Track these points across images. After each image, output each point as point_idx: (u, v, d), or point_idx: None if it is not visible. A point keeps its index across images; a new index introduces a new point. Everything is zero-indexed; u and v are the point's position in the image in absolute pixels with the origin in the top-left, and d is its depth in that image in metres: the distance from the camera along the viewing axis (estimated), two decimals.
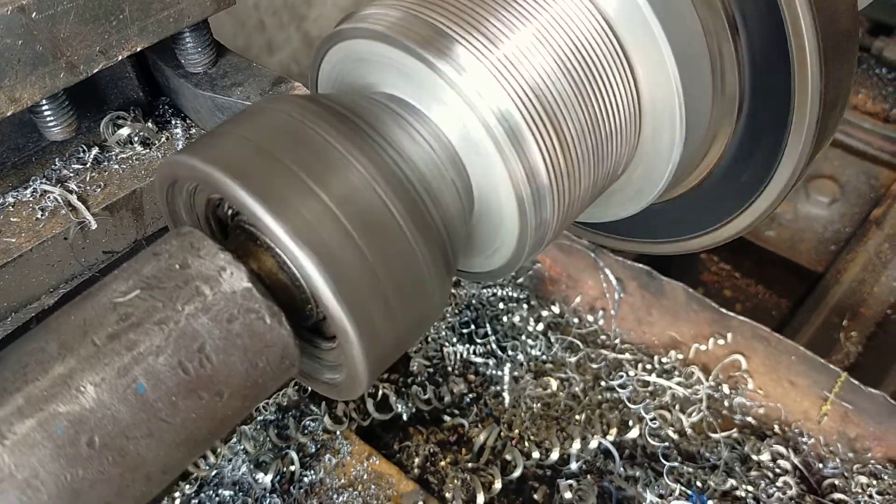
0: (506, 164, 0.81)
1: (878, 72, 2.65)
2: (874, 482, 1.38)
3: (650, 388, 1.54)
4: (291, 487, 1.41)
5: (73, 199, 1.11)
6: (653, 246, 1.24)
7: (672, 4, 0.87)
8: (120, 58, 1.07)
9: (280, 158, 0.73)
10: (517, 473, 1.42)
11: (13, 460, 0.63)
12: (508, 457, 1.45)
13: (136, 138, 1.20)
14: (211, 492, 1.39)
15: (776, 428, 1.48)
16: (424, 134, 0.83)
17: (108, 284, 0.72)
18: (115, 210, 1.13)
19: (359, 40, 0.87)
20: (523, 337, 1.63)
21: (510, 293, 1.71)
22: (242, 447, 1.44)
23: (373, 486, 1.39)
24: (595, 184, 0.91)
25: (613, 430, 1.47)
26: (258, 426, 1.48)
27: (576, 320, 1.68)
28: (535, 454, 1.45)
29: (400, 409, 1.52)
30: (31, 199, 1.12)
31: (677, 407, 1.51)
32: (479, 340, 1.64)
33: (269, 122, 0.78)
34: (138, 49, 1.08)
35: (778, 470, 1.41)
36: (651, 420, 1.48)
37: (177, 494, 1.39)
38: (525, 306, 1.68)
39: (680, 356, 1.59)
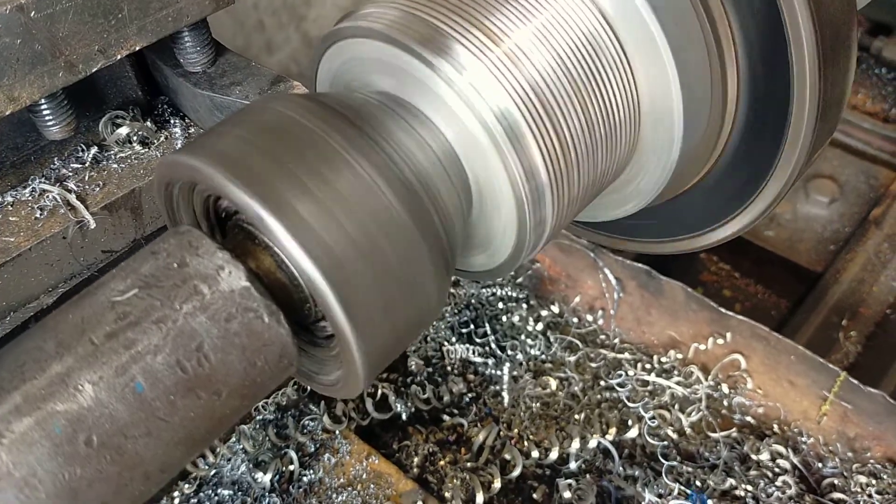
0: (504, 163, 0.81)
1: (878, 71, 2.65)
2: (873, 482, 1.38)
3: (649, 388, 1.54)
4: (290, 487, 1.40)
5: (72, 198, 1.11)
6: (652, 245, 1.24)
7: (671, 4, 0.87)
8: (119, 57, 1.06)
9: (278, 157, 0.73)
10: (516, 473, 1.42)
11: (11, 459, 0.63)
12: (508, 456, 1.45)
13: (134, 137, 1.20)
14: (210, 491, 1.39)
15: (775, 427, 1.48)
16: (423, 133, 0.83)
17: (107, 283, 0.72)
18: (114, 209, 1.13)
19: (357, 39, 0.87)
20: (522, 336, 1.63)
21: (509, 293, 1.71)
22: (241, 446, 1.44)
23: (372, 486, 1.39)
24: (594, 183, 0.91)
25: (612, 430, 1.47)
26: (257, 425, 1.48)
27: (575, 320, 1.68)
28: (535, 453, 1.45)
29: (399, 409, 1.52)
30: (29, 198, 1.12)
31: (676, 406, 1.51)
32: (478, 340, 1.63)
33: (268, 121, 0.78)
34: (137, 48, 1.08)
35: (777, 469, 1.41)
36: (650, 419, 1.48)
37: (176, 494, 1.39)
38: (524, 306, 1.68)
39: (679, 356, 1.59)
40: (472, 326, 1.65)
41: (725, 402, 1.52)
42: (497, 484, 1.40)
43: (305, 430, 1.48)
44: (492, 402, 1.55)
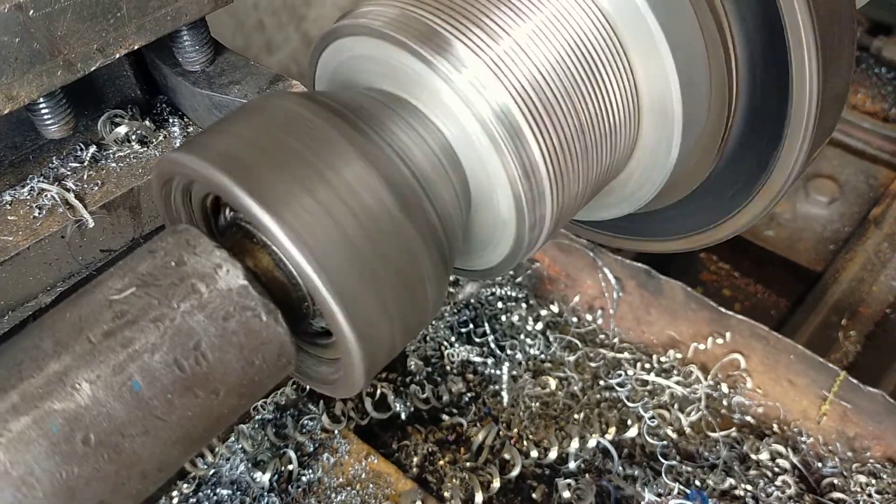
0: (503, 162, 0.81)
1: (878, 71, 2.65)
2: (873, 481, 1.37)
3: (649, 388, 1.54)
4: (289, 486, 1.40)
5: (71, 197, 1.11)
6: (652, 244, 1.24)
7: (670, 2, 0.87)
8: (117, 56, 1.06)
9: (276, 156, 0.73)
10: (515, 472, 1.42)
11: (8, 458, 0.62)
12: (507, 456, 1.45)
13: (133, 137, 1.20)
14: (209, 491, 1.39)
15: (775, 427, 1.47)
16: (421, 131, 0.83)
17: (104, 282, 0.72)
18: (113, 208, 1.13)
19: (356, 37, 0.86)
20: (522, 336, 1.63)
21: (509, 292, 1.71)
22: (240, 446, 1.44)
23: (371, 485, 1.39)
24: (593, 181, 0.91)
25: (612, 429, 1.47)
26: (256, 425, 1.47)
27: (574, 319, 1.68)
28: (534, 453, 1.45)
29: (398, 409, 1.52)
30: (28, 197, 1.12)
31: (676, 406, 1.51)
32: (477, 339, 1.63)
33: (266, 120, 0.78)
34: (136, 47, 1.08)
35: (777, 469, 1.40)
36: (650, 419, 1.48)
37: (174, 493, 1.39)
38: (524, 305, 1.68)
39: (679, 355, 1.59)
40: (471, 326, 1.65)
41: (725, 402, 1.52)
42: (496, 483, 1.40)
43: (304, 430, 1.48)
44: (491, 401, 1.54)
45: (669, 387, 1.53)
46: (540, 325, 1.64)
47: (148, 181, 1.15)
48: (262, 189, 0.71)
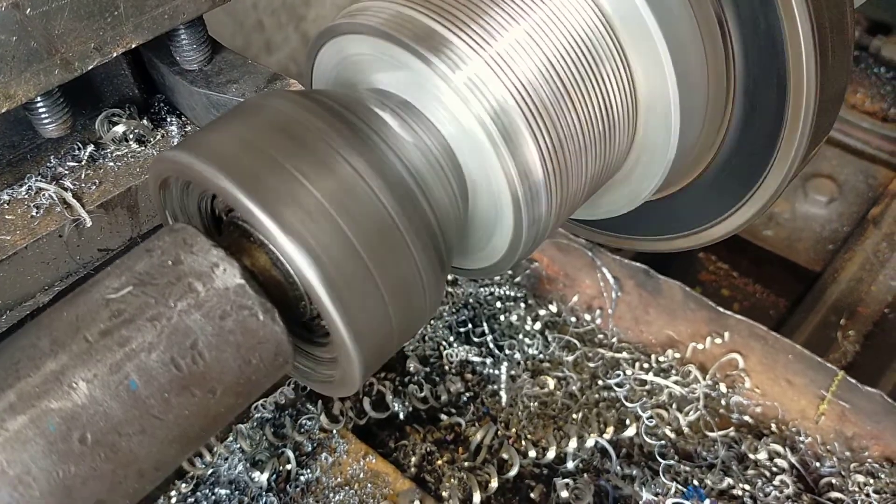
0: (501, 161, 0.81)
1: (877, 71, 2.65)
2: (871, 481, 1.37)
3: (647, 387, 1.54)
4: (288, 486, 1.40)
5: (69, 196, 1.11)
6: (650, 243, 1.24)
7: (668, 2, 0.87)
8: (115, 54, 1.06)
9: (273, 154, 0.73)
10: (514, 472, 1.42)
11: (5, 457, 0.62)
12: (505, 456, 1.45)
13: (131, 136, 1.20)
14: (207, 490, 1.39)
15: (773, 427, 1.47)
16: (419, 130, 0.83)
17: (101, 281, 0.72)
18: (111, 208, 1.13)
19: (354, 35, 0.86)
20: (520, 336, 1.63)
21: (507, 292, 1.70)
22: (239, 446, 1.44)
23: (369, 485, 1.39)
24: (590, 180, 0.91)
25: (610, 429, 1.47)
26: (254, 424, 1.47)
27: (573, 319, 1.68)
28: (532, 453, 1.45)
29: (397, 408, 1.52)
30: (25, 196, 1.11)
31: (674, 406, 1.51)
32: (476, 339, 1.63)
33: (263, 118, 0.78)
34: (133, 46, 1.08)
35: (775, 469, 1.40)
36: (648, 419, 1.48)
37: (173, 493, 1.39)
38: (522, 305, 1.68)
39: (677, 355, 1.59)
40: (469, 326, 1.65)
41: (723, 402, 1.52)
42: (494, 483, 1.40)
43: (303, 430, 1.48)
44: (489, 401, 1.54)
45: (668, 386, 1.53)
46: (538, 325, 1.64)
47: (146, 180, 1.15)
48: (259, 188, 0.71)
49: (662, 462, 1.41)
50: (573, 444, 1.44)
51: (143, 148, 1.19)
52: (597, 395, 1.54)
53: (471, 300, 1.69)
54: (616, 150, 0.93)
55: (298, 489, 1.39)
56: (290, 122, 0.76)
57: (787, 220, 2.39)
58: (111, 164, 1.17)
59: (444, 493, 1.39)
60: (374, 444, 1.47)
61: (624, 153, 0.96)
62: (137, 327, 0.68)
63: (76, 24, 1.00)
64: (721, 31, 0.91)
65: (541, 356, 1.60)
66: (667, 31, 0.86)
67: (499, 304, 1.69)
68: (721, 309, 1.60)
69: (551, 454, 1.44)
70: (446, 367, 1.59)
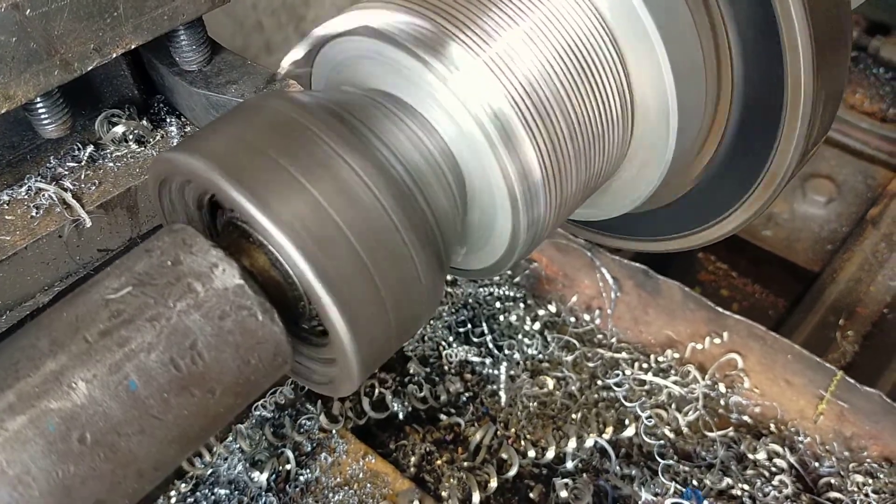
0: (499, 162, 0.81)
1: (876, 71, 2.65)
2: (870, 481, 1.38)
3: (646, 387, 1.54)
4: (287, 486, 1.40)
5: (68, 196, 1.11)
6: (649, 244, 1.24)
7: (666, 3, 0.87)
8: (114, 55, 1.06)
9: (272, 155, 0.73)
10: (513, 472, 1.42)
11: (5, 457, 0.63)
12: (504, 456, 1.45)
13: (130, 136, 1.20)
14: (207, 490, 1.39)
15: (772, 427, 1.48)
16: (417, 131, 0.83)
17: (100, 281, 0.72)
18: (110, 208, 1.13)
19: (352, 37, 0.86)
20: (520, 336, 1.63)
21: (507, 292, 1.71)
22: (238, 446, 1.44)
23: (368, 485, 1.39)
24: (588, 181, 0.91)
25: (609, 429, 1.47)
26: (254, 423, 1.48)
27: (572, 319, 1.68)
28: (531, 453, 1.45)
29: (396, 408, 1.52)
30: (25, 196, 1.12)
31: (673, 406, 1.51)
32: (475, 339, 1.63)
33: (262, 119, 0.78)
34: (133, 46, 1.08)
35: (774, 469, 1.41)
36: (647, 419, 1.48)
37: (172, 493, 1.39)
38: (522, 305, 1.68)
39: (676, 355, 1.59)
40: (469, 326, 1.65)
41: (722, 402, 1.52)
42: (494, 483, 1.40)
43: (302, 430, 1.48)
44: (489, 401, 1.54)
45: (667, 386, 1.53)
46: (538, 325, 1.65)
47: (145, 181, 1.15)
48: (258, 188, 0.71)
49: (661, 462, 1.41)
50: (572, 444, 1.44)
51: (142, 148, 1.20)
52: (596, 395, 1.54)
53: (470, 300, 1.70)
54: (614, 151, 0.93)
55: (298, 489, 1.39)
56: (289, 122, 0.77)
57: (786, 221, 2.39)
58: (111, 164, 1.17)
59: (444, 493, 1.39)
60: (374, 444, 1.47)
61: (622, 154, 0.96)
62: (137, 328, 0.68)
63: (76, 24, 1.00)
64: (719, 30, 0.91)
65: (540, 356, 1.60)
66: (664, 32, 0.87)
67: (498, 305, 1.69)
68: (720, 309, 1.60)
69: (550, 454, 1.44)
70: (445, 368, 1.59)
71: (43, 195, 1.11)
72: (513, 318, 1.66)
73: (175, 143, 1.22)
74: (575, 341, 1.62)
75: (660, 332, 1.63)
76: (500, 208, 0.85)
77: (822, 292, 2.12)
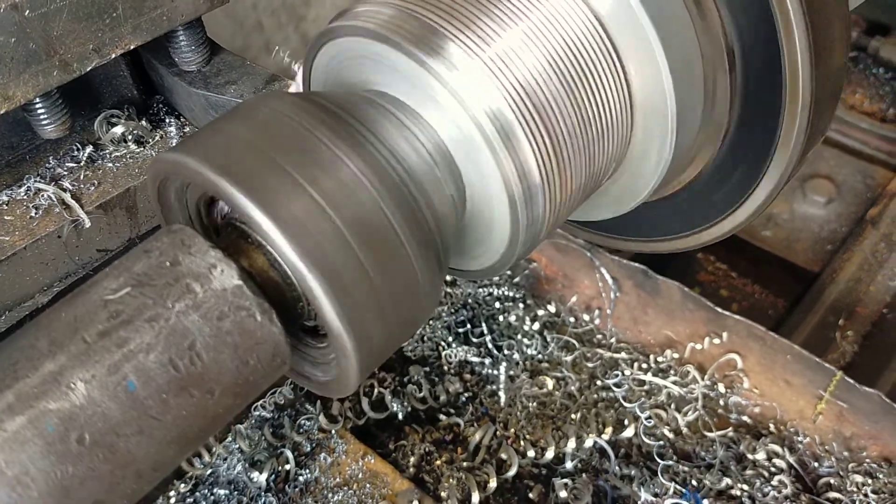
0: (497, 163, 0.81)
1: (875, 71, 2.65)
2: (869, 481, 1.38)
3: (646, 388, 1.54)
4: (286, 486, 1.40)
5: (67, 197, 1.11)
6: (648, 244, 1.24)
7: (664, 5, 0.87)
8: (113, 56, 1.07)
9: (271, 156, 0.73)
10: (512, 472, 1.42)
11: (3, 457, 0.63)
12: (504, 456, 1.45)
13: (129, 137, 1.20)
14: (206, 490, 1.39)
15: (771, 427, 1.48)
16: (416, 132, 0.83)
17: (99, 282, 0.72)
18: (109, 208, 1.13)
19: (351, 38, 0.86)
20: (519, 336, 1.63)
21: (506, 292, 1.71)
22: (237, 446, 1.44)
23: (368, 485, 1.39)
24: (587, 182, 0.91)
25: (609, 429, 1.47)
26: (253, 422, 1.48)
27: (572, 319, 1.68)
28: (531, 453, 1.45)
29: (395, 409, 1.52)
30: (24, 197, 1.12)
31: (673, 406, 1.51)
32: (474, 340, 1.63)
33: (261, 119, 0.78)
34: (132, 47, 1.08)
35: (773, 469, 1.41)
36: (646, 419, 1.48)
37: (172, 493, 1.39)
38: (521, 305, 1.68)
39: (676, 355, 1.59)
40: (468, 326, 1.65)
41: (722, 402, 1.52)
42: (493, 483, 1.40)
43: (302, 430, 1.48)
44: (488, 401, 1.55)
45: (666, 387, 1.53)
46: (537, 325, 1.65)
47: (144, 181, 1.15)
48: (257, 189, 0.71)
49: (661, 462, 1.41)
50: (572, 444, 1.44)
51: (141, 149, 1.20)
52: (595, 396, 1.54)
53: (469, 300, 1.70)
54: (612, 152, 0.93)
55: (297, 489, 1.40)
56: (287, 123, 0.77)
57: (786, 221, 2.39)
58: (110, 164, 1.17)
59: (443, 494, 1.39)
60: (373, 445, 1.47)
61: (621, 154, 0.96)
62: (136, 328, 0.68)
63: (75, 25, 1.00)
64: (717, 31, 0.91)
65: (539, 356, 1.60)
66: (662, 33, 0.86)
67: (497, 305, 1.69)
68: (719, 309, 1.60)
69: (550, 454, 1.44)
70: (445, 368, 1.60)
71: (42, 195, 1.11)
72: (512, 318, 1.66)
73: (174, 144, 1.22)
74: (574, 341, 1.62)
75: (659, 332, 1.63)
76: (498, 209, 0.85)
77: (822, 292, 2.12)
